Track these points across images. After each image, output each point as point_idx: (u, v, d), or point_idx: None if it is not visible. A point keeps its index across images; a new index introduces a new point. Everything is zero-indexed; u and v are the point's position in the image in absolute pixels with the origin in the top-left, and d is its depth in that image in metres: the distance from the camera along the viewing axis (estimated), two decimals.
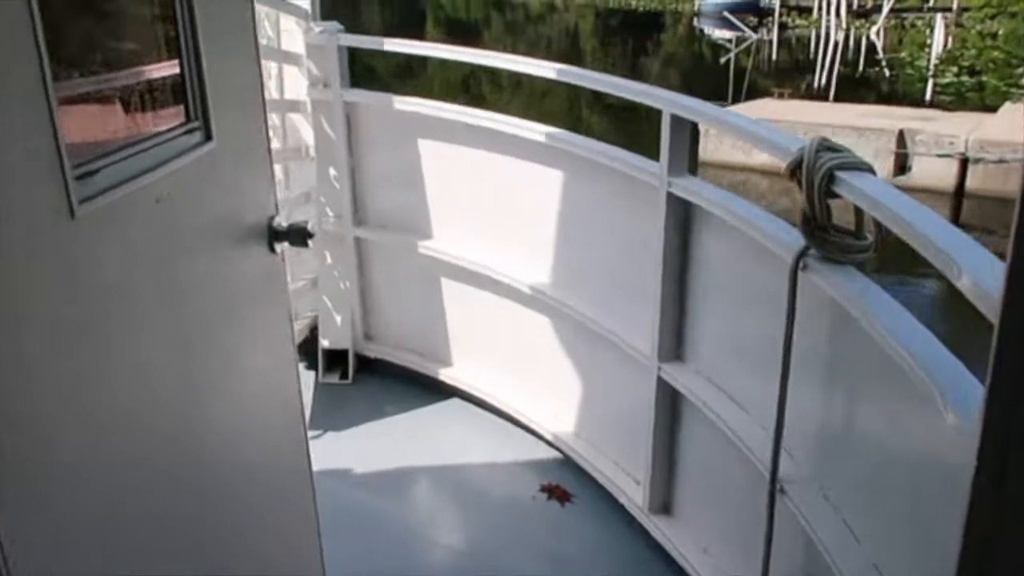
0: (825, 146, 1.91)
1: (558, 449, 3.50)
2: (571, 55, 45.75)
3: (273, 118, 3.88)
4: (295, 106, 3.94)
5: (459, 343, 3.93)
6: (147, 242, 1.40)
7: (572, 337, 3.35)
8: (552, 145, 3.12)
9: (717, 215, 2.43)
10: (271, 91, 3.87)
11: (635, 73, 36.35)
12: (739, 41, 41.47)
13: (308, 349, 4.13)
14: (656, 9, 70.97)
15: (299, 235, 2.08)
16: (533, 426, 3.60)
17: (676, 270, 2.71)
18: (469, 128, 3.43)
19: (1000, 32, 38.57)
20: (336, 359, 4.12)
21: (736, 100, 19.63)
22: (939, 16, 38.40)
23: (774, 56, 38.74)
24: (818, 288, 1.94)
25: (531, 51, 48.27)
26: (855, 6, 50.84)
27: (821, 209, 1.90)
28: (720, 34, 47.65)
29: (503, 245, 3.56)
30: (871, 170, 1.86)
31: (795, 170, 1.94)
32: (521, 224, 3.47)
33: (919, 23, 47.72)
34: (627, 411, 3.13)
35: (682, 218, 2.66)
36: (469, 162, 3.55)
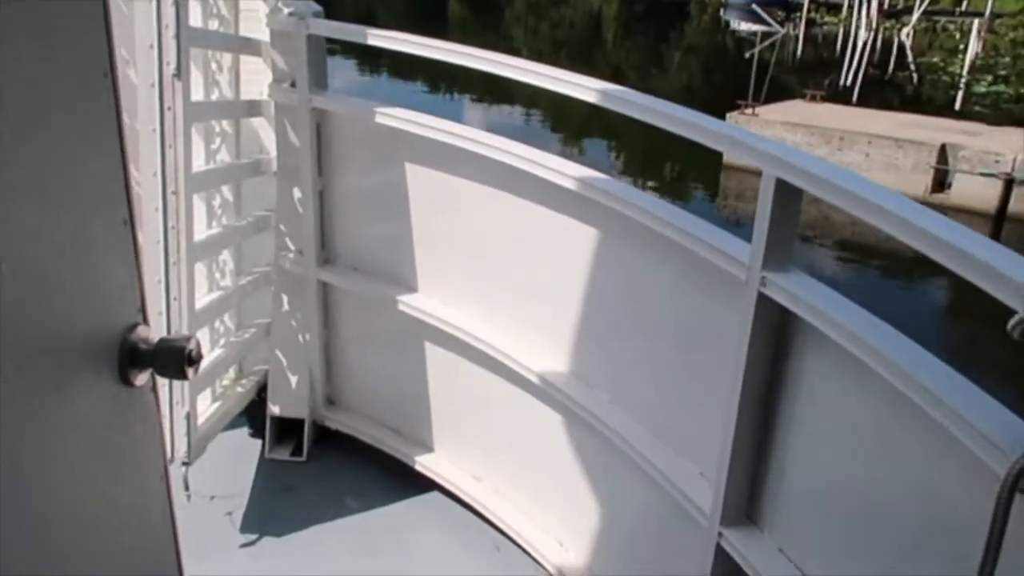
0: None
1: None
2: (593, 40, 44.71)
3: (223, 124, 3.02)
4: (254, 108, 3.08)
5: (444, 425, 3.08)
6: None
7: (592, 450, 2.50)
8: (587, 196, 2.25)
9: (841, 344, 1.57)
10: (223, 90, 3.01)
11: (657, 63, 35.26)
12: (765, 36, 40.38)
13: (255, 415, 3.28)
14: None
15: (173, 360, 1.26)
16: (532, 551, 2.76)
17: (759, 399, 1.86)
18: (474, 157, 2.56)
19: None
20: (289, 429, 3.27)
21: (757, 97, 18.41)
22: (975, 21, 37.19)
23: (799, 53, 37.59)
24: None
25: (553, 31, 47.26)
26: (886, 6, 49.82)
27: None
28: (746, 27, 46.62)
29: (508, 314, 2.70)
30: None
31: None
32: (535, 291, 2.61)
33: (951, 27, 46.67)
34: (669, 572, 2.29)
35: (777, 328, 1.80)
36: (472, 199, 2.68)
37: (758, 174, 1.74)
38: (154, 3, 2.32)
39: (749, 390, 1.84)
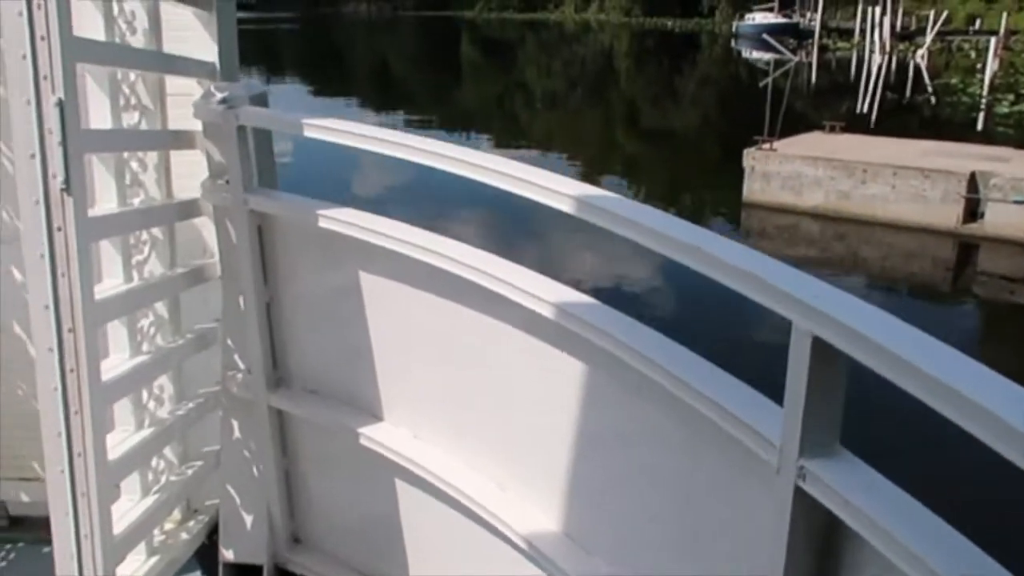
0: None
1: None
2: (605, 75, 44.64)
3: (155, 232, 2.59)
4: (190, 209, 2.65)
5: (427, 569, 2.59)
6: None
7: None
8: (572, 329, 1.77)
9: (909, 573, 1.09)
10: (149, 190, 2.59)
11: (671, 95, 34.96)
12: (778, 64, 40.02)
13: (207, 561, 2.81)
14: (692, 30, 69.72)
15: None
16: None
17: None
18: (433, 270, 2.10)
19: None
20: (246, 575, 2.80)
21: (774, 127, 17.69)
22: (991, 39, 36.59)
23: (813, 79, 37.16)
24: None
25: (566, 69, 47.24)
26: (898, 28, 49.36)
27: None
28: (758, 56, 46.38)
29: (487, 455, 2.22)
30: None
31: None
32: (518, 431, 2.13)
33: (965, 46, 46.09)
34: None
35: (822, 531, 1.31)
36: (438, 318, 2.22)
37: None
38: (33, 105, 1.90)
39: None
